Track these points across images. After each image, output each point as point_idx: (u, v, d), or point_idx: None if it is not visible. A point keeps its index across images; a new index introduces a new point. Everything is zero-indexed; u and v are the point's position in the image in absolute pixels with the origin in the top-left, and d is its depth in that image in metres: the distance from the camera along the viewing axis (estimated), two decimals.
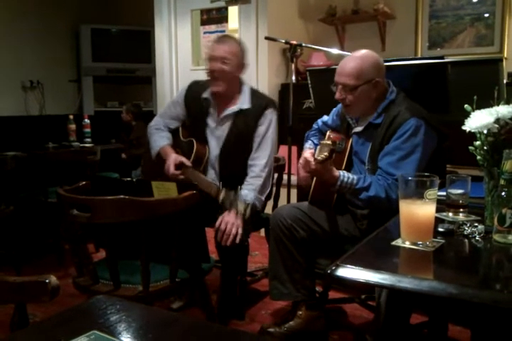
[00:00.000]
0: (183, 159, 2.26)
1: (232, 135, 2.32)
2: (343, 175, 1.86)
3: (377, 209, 1.93)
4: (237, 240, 2.05)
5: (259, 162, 2.28)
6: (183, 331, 0.85)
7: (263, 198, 2.29)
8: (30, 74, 4.85)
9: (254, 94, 2.36)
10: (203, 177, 2.25)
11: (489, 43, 3.85)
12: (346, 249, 1.85)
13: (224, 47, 2.21)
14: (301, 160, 1.94)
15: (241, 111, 2.29)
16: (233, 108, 2.30)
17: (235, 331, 0.93)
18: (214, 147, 2.36)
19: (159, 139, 2.40)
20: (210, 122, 2.36)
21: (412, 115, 1.88)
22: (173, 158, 2.27)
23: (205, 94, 2.33)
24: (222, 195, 2.06)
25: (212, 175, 2.38)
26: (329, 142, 1.79)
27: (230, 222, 2.04)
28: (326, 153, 1.74)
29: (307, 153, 1.90)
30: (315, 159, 1.75)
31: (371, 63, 1.94)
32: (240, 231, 2.05)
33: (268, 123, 2.30)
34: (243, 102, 2.30)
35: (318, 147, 1.83)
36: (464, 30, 3.94)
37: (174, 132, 2.47)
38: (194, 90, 2.39)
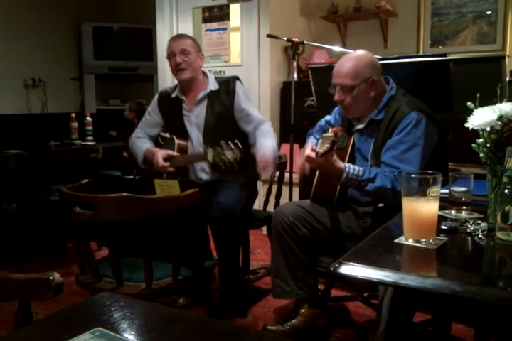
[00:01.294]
0: (169, 151, 2.38)
1: (210, 117, 2.43)
2: (349, 166, 1.84)
3: (382, 201, 1.92)
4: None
5: (262, 124, 2.40)
6: (186, 328, 0.85)
7: None
8: (32, 72, 4.84)
9: (217, 77, 2.54)
10: (187, 155, 2.42)
11: (491, 41, 3.85)
12: (348, 246, 1.85)
13: (180, 42, 2.42)
14: (299, 160, 1.92)
15: (212, 93, 2.45)
16: (204, 91, 2.45)
17: (238, 327, 0.93)
18: (196, 134, 2.46)
19: (142, 145, 2.54)
20: (186, 112, 2.49)
21: (412, 109, 1.89)
22: (159, 152, 2.38)
23: (174, 94, 2.50)
24: (210, 155, 2.12)
25: (201, 163, 2.44)
26: (331, 134, 1.76)
27: (267, 161, 2.20)
28: (327, 145, 1.69)
29: (308, 149, 1.86)
30: (316, 153, 1.72)
31: (366, 62, 1.95)
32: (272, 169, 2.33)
33: (243, 95, 2.44)
34: (211, 85, 2.47)
35: (320, 140, 1.81)
36: (466, 27, 3.93)
37: (155, 140, 2.62)
38: (164, 95, 2.58)
